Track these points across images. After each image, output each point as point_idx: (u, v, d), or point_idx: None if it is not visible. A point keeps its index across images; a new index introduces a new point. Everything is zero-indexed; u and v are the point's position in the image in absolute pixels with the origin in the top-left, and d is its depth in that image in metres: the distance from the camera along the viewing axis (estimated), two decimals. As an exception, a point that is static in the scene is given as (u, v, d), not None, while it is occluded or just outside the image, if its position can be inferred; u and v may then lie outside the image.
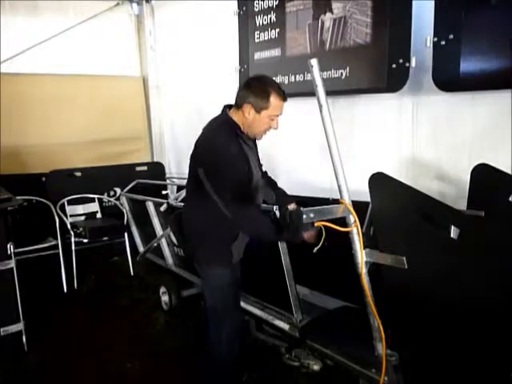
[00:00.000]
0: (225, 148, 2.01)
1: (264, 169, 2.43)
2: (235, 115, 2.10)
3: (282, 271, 2.56)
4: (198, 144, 2.13)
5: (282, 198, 2.38)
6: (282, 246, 2.52)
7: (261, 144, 2.29)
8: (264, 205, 2.44)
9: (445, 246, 1.64)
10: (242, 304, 2.88)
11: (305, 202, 2.19)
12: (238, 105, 2.08)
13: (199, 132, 2.18)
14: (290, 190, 2.45)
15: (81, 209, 4.70)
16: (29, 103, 4.76)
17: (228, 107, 2.15)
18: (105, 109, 5.16)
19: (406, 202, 1.77)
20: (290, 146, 3.86)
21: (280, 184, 2.48)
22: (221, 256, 2.17)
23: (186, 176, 2.25)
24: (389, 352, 1.94)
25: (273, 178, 2.49)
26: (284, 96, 2.05)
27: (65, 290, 4.16)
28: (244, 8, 4.03)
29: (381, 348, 1.92)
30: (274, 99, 2.02)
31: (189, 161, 2.18)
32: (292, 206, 2.12)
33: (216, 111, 2.21)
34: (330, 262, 2.51)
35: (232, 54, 4.17)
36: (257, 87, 2.04)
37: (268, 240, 2.25)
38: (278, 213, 2.36)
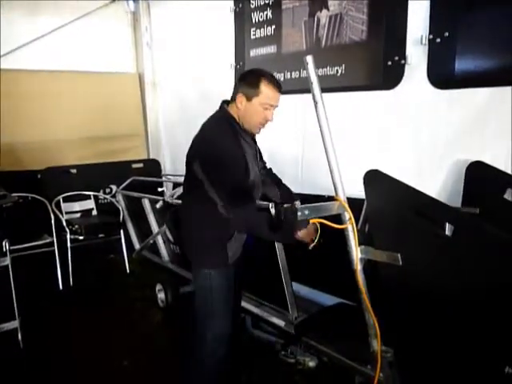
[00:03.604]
0: (222, 143, 1.98)
1: (268, 166, 2.42)
2: (232, 109, 2.07)
3: (277, 268, 2.57)
4: (196, 140, 2.09)
5: (287, 195, 2.37)
6: (278, 244, 2.53)
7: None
8: (261, 202, 2.44)
9: (439, 243, 1.65)
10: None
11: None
12: (233, 98, 2.06)
13: (195, 128, 2.16)
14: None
15: (76, 206, 4.68)
16: (24, 100, 4.73)
17: (226, 103, 2.12)
18: (100, 106, 5.14)
19: (401, 199, 1.78)
20: (283, 142, 3.86)
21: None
22: (213, 256, 2.11)
23: (182, 173, 2.22)
24: (384, 348, 1.94)
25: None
26: (277, 85, 2.01)
27: (60, 288, 4.15)
28: (240, 5, 4.03)
29: (376, 344, 1.93)
30: (264, 86, 1.98)
31: (185, 158, 2.15)
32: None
33: (212, 108, 2.18)
34: (326, 259, 2.51)
35: (228, 50, 4.16)
36: (249, 76, 2.04)
37: (266, 238, 2.11)
38: (272, 210, 2.36)
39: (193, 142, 2.11)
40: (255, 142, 2.25)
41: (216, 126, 2.08)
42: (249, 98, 2.00)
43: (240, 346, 2.53)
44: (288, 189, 2.42)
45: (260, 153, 2.29)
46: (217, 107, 2.15)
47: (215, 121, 2.11)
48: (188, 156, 2.11)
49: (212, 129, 2.07)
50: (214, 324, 2.14)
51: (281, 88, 2.03)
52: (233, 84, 2.13)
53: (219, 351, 2.14)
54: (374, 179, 1.84)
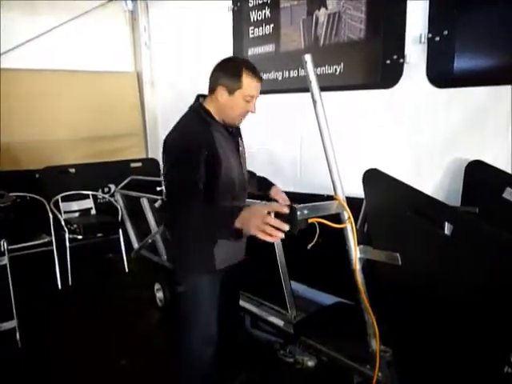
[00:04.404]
0: (184, 137, 1.89)
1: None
2: (209, 102, 1.99)
3: (276, 267, 2.56)
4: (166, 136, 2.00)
5: (264, 183, 2.34)
6: (277, 243, 2.52)
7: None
8: (258, 201, 2.44)
9: (438, 243, 1.65)
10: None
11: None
12: (211, 89, 1.96)
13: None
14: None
15: (75, 205, 4.68)
16: (22, 99, 4.70)
17: (202, 96, 2.05)
18: (99, 105, 5.12)
19: (400, 198, 1.77)
20: (281, 141, 3.86)
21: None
22: (199, 262, 2.03)
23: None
24: (383, 348, 1.94)
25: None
26: (259, 75, 1.93)
27: (59, 287, 4.15)
28: (238, 4, 4.02)
29: (375, 344, 1.93)
30: (246, 78, 1.88)
31: None
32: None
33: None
34: (325, 259, 2.51)
35: (226, 50, 4.15)
36: (228, 67, 1.93)
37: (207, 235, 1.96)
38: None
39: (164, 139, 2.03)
40: (238, 136, 2.13)
41: (184, 120, 2.01)
42: (231, 92, 1.91)
43: (238, 345, 2.52)
44: (263, 177, 2.39)
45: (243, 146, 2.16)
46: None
47: (185, 115, 2.03)
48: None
49: (180, 124, 1.99)
50: (199, 327, 2.08)
51: (261, 78, 1.96)
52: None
53: (207, 352, 2.08)
54: (373, 178, 1.83)
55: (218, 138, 1.95)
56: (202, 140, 1.88)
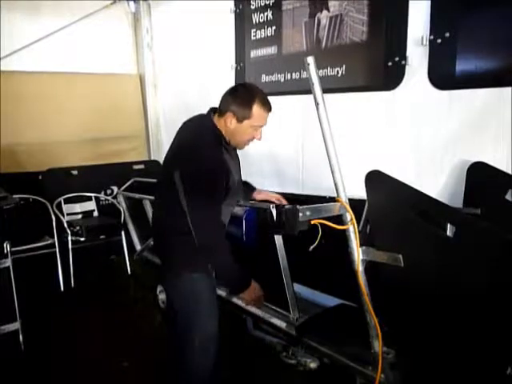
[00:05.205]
0: (210, 163, 1.93)
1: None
2: (219, 121, 2.03)
3: (279, 269, 2.56)
4: (180, 146, 2.07)
5: (248, 190, 2.47)
6: (279, 244, 2.52)
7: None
8: (260, 203, 2.44)
9: (441, 244, 1.65)
10: (241, 303, 2.87)
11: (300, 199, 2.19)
12: (222, 111, 2.01)
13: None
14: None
15: (78, 207, 4.69)
16: (25, 101, 4.72)
17: (213, 110, 2.08)
18: (101, 107, 5.13)
19: (403, 199, 1.78)
20: (283, 143, 3.86)
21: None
22: (198, 260, 2.04)
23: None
24: (385, 349, 1.94)
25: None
26: (269, 106, 1.99)
27: (62, 289, 4.16)
28: (240, 6, 4.03)
29: (377, 346, 1.93)
30: (256, 109, 1.95)
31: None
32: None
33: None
34: (327, 260, 2.51)
35: (228, 51, 4.17)
36: (241, 96, 1.97)
37: (220, 276, 2.16)
38: (274, 211, 2.36)
39: (176, 147, 2.11)
40: (237, 154, 2.21)
41: (205, 140, 2.00)
42: (239, 120, 1.96)
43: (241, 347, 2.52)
44: (249, 184, 2.51)
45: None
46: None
47: (204, 133, 2.03)
48: (168, 161, 2.12)
49: (201, 143, 1.99)
50: (203, 324, 2.08)
51: (271, 108, 2.01)
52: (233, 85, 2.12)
53: (210, 351, 2.09)
54: (376, 180, 1.84)
55: (227, 158, 2.03)
56: (224, 168, 1.97)
